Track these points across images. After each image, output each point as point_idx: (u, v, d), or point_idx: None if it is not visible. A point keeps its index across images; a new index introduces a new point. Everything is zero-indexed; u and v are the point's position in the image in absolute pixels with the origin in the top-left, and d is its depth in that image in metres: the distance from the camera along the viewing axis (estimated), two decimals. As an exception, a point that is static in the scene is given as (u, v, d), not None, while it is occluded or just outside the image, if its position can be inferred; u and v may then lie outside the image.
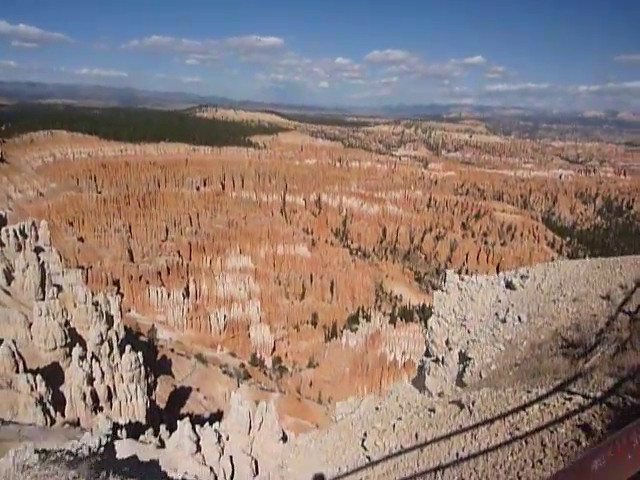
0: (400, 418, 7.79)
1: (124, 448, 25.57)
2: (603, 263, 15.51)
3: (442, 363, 13.96)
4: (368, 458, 7.08)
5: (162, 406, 61.85)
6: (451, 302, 15.79)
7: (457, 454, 5.41)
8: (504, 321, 13.52)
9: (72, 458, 3.82)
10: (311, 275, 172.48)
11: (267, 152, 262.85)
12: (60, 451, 4.07)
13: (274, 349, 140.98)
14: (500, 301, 15.43)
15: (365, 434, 8.03)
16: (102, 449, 5.34)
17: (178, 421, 30.11)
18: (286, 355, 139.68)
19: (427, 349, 16.22)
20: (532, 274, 16.19)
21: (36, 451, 3.69)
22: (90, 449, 5.12)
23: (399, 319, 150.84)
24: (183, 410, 68.06)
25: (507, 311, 13.99)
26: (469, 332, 14.16)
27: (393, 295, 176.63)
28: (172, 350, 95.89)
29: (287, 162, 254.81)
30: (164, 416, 48.15)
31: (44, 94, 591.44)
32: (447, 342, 14.85)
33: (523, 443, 4.72)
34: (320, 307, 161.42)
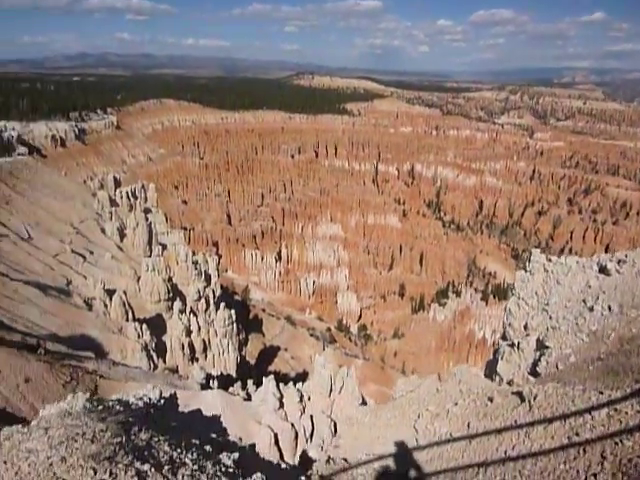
0: (456, 404, 7.58)
1: (208, 398, 27.76)
2: None
3: (517, 348, 13.17)
4: (417, 441, 7.02)
5: (252, 362, 65.72)
6: (534, 284, 14.66)
7: (505, 452, 5.18)
8: (591, 309, 12.32)
9: (121, 409, 4.18)
10: (401, 246, 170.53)
11: (361, 120, 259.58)
12: (116, 401, 4.47)
13: (360, 317, 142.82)
14: (590, 287, 14.01)
15: (419, 416, 7.94)
16: (162, 401, 5.80)
17: (264, 377, 32.05)
18: (372, 324, 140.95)
19: (504, 332, 15.36)
20: (631, 259, 14.48)
21: (90, 400, 4.06)
22: (150, 400, 5.57)
23: (492, 296, 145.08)
24: (271, 367, 71.80)
25: (597, 299, 12.73)
26: (550, 318, 13.11)
27: (487, 271, 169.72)
28: (263, 310, 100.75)
29: (381, 130, 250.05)
30: (253, 371, 51.15)
31: (156, 65, 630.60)
32: (525, 327, 13.92)
33: (580, 451, 4.35)
34: (408, 279, 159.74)
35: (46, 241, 47.99)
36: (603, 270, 14.57)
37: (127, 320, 43.70)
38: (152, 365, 39.02)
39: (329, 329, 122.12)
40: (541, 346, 12.11)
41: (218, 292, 60.36)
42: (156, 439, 3.27)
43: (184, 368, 40.57)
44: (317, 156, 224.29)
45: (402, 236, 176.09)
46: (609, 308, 11.87)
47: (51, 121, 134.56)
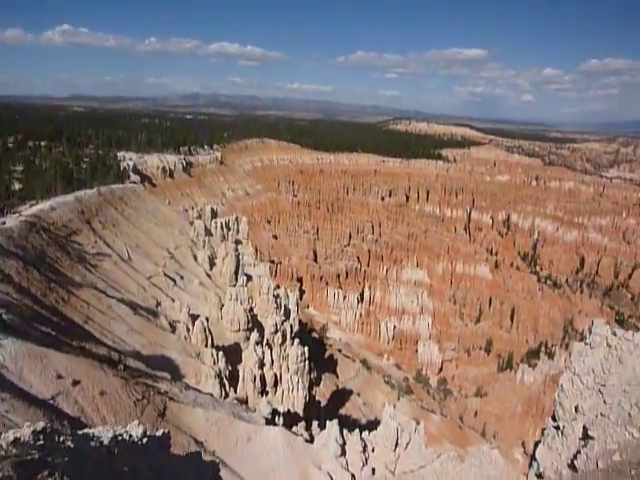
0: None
1: (270, 435, 27.38)
2: None
3: (562, 434, 11.14)
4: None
5: (323, 402, 64.57)
6: (593, 360, 12.51)
7: None
8: None
9: (72, 445, 3.91)
10: (490, 298, 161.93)
11: (457, 166, 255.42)
12: (70, 436, 4.24)
13: (441, 369, 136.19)
14: None
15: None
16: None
17: (327, 421, 31.15)
18: (453, 378, 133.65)
19: (554, 411, 13.14)
20: None
21: (44, 430, 3.88)
22: (101, 441, 5.22)
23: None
24: (341, 411, 70.08)
25: None
26: (605, 402, 10.97)
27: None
28: (340, 351, 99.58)
29: (477, 177, 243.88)
30: (321, 412, 50.15)
31: (261, 106, 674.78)
32: (576, 409, 11.82)
33: None
34: (496, 334, 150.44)
35: (143, 263, 51.60)
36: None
37: (206, 346, 45.10)
38: (223, 393, 39.63)
39: (406, 379, 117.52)
40: (586, 435, 10.16)
41: (296, 327, 60.71)
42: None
43: (253, 400, 40.75)
44: (408, 200, 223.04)
45: (492, 288, 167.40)
46: (673, 400, 9.70)
47: (163, 154, 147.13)
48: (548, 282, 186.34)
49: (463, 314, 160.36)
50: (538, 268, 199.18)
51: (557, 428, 11.96)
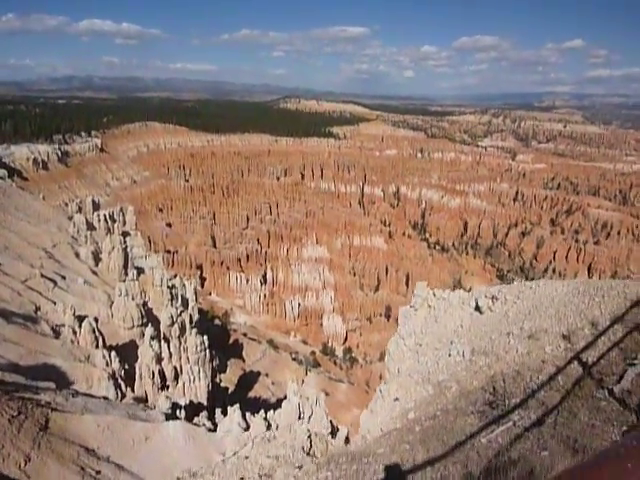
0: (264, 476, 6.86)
1: (170, 430, 26.74)
2: (587, 287, 12.36)
3: (382, 397, 11.99)
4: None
5: (231, 389, 64.17)
6: (416, 321, 13.59)
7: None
8: (450, 355, 11.26)
9: None
10: (386, 267, 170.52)
11: (347, 143, 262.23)
12: None
13: (346, 339, 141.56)
14: (462, 326, 13.08)
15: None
16: None
17: (228, 407, 31.02)
18: (357, 346, 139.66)
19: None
20: (503, 296, 13.60)
21: None
22: None
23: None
24: (250, 394, 70.20)
25: (461, 341, 11.66)
26: (418, 362, 11.91)
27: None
28: (245, 334, 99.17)
29: (367, 153, 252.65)
30: (228, 399, 49.82)
31: (142, 88, 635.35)
32: (399, 371, 12.79)
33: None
34: (394, 300, 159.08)
35: (15, 266, 46.78)
36: (477, 308, 13.64)
37: (97, 347, 42.40)
38: (120, 394, 37.70)
39: (313, 353, 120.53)
40: (395, 397, 10.97)
41: (195, 316, 59.14)
42: None
43: (153, 397, 39.28)
44: (303, 178, 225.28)
45: (388, 257, 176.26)
46: (463, 354, 10.88)
47: (33, 144, 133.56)
48: (437, 247, 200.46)
49: (363, 284, 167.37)
50: (427, 235, 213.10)
51: (381, 392, 12.73)
